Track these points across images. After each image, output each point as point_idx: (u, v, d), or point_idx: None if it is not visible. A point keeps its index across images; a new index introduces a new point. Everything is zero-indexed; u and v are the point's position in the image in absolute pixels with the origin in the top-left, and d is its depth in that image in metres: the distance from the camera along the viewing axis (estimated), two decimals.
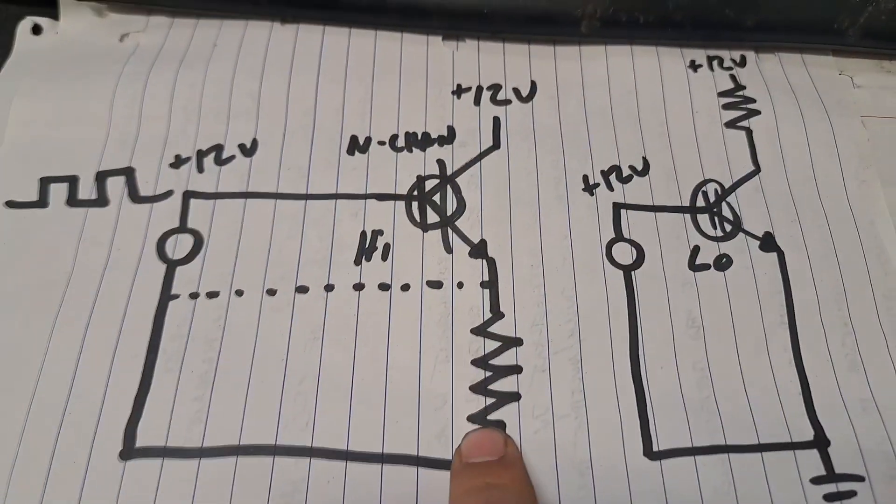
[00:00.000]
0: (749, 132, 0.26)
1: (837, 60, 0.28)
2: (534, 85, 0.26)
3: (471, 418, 0.20)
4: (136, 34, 0.26)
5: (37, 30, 0.26)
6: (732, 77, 0.27)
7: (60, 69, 0.25)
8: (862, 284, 0.23)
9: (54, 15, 0.26)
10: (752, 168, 0.25)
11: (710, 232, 0.24)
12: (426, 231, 0.23)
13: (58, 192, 0.22)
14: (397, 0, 0.25)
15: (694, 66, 0.27)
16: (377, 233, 0.23)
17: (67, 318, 0.21)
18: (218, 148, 0.24)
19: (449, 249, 0.23)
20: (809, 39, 0.27)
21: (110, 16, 0.26)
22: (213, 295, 0.21)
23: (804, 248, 0.24)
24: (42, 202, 0.22)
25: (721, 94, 0.27)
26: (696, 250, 0.23)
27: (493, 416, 0.20)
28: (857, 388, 0.22)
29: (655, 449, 0.20)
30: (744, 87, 0.27)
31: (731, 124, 0.26)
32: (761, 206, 0.24)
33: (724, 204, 0.24)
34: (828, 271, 0.23)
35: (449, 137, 0.25)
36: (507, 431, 0.20)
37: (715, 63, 0.27)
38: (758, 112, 0.26)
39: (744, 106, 0.26)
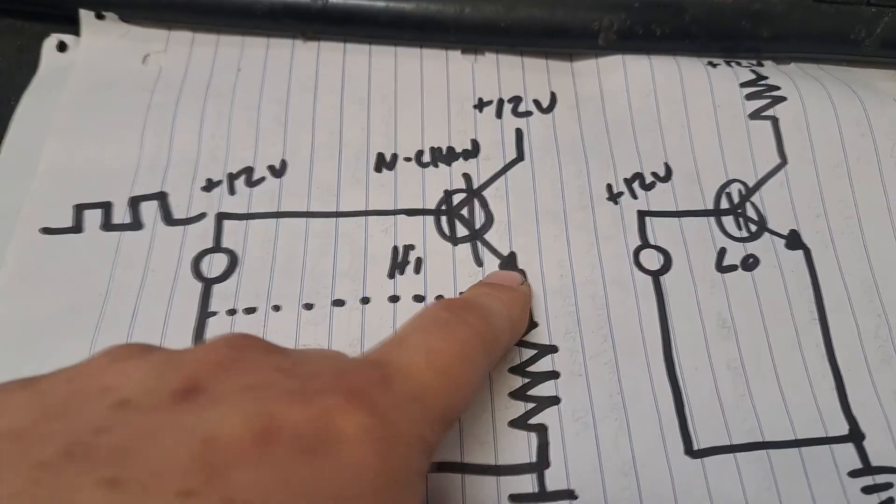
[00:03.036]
0: (775, 121, 0.27)
1: (854, 71, 0.30)
2: (553, 96, 0.28)
3: (512, 423, 0.22)
4: (158, 55, 0.28)
5: (62, 47, 0.28)
6: (753, 71, 0.29)
7: (89, 96, 0.26)
8: (894, 272, 0.25)
9: (77, 32, 0.28)
10: (779, 161, 0.27)
11: (736, 233, 0.26)
12: (456, 245, 0.25)
13: (92, 217, 0.24)
14: (416, 14, 0.27)
15: (713, 65, 0.29)
16: (409, 247, 0.25)
17: (106, 339, 0.22)
18: (248, 170, 0.26)
19: (479, 262, 0.25)
20: (826, 49, 0.29)
21: (131, 31, 0.28)
22: (250, 311, 0.23)
23: (831, 243, 0.25)
24: (77, 227, 0.24)
25: (743, 85, 0.28)
26: (722, 252, 0.25)
27: (533, 420, 0.22)
28: (890, 381, 0.23)
29: (696, 447, 0.22)
30: (766, 78, 0.28)
31: (755, 115, 0.27)
32: (786, 202, 0.26)
33: (748, 204, 0.26)
34: (857, 264, 0.25)
35: (473, 151, 0.27)
36: (549, 435, 0.21)
37: (733, 63, 0.29)
38: (783, 98, 0.28)
39: (768, 94, 0.28)
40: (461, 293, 0.24)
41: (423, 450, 0.15)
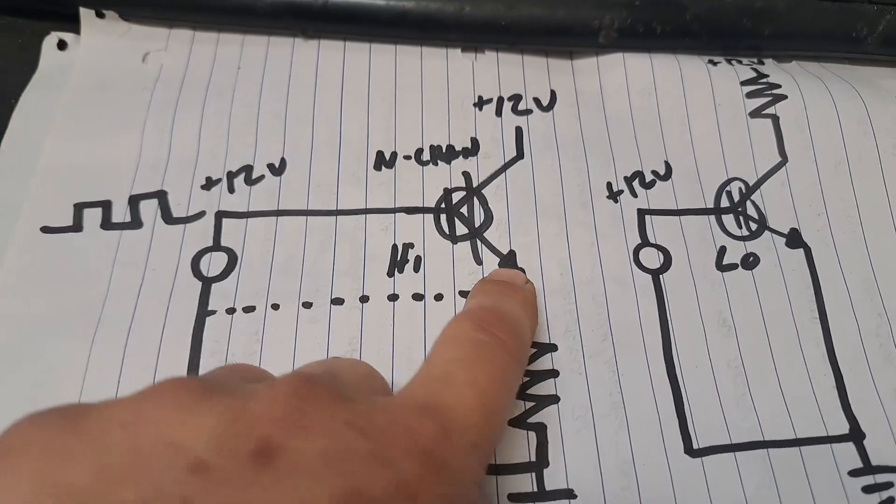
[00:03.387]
0: (776, 119, 0.27)
1: (856, 69, 0.30)
2: (553, 94, 0.28)
3: (511, 422, 0.22)
4: (159, 53, 0.28)
5: (62, 45, 0.28)
6: (754, 69, 0.29)
7: (89, 94, 0.26)
8: (895, 270, 0.25)
9: (77, 30, 0.28)
10: (779, 159, 0.27)
11: (736, 232, 0.26)
12: (455, 243, 0.25)
13: (92, 216, 0.24)
14: (416, 12, 0.27)
15: (713, 63, 0.29)
16: (408, 246, 0.25)
17: (105, 338, 0.22)
18: (247, 168, 0.26)
19: (479, 261, 0.25)
20: (827, 47, 0.29)
21: (131, 29, 0.28)
22: (249, 310, 0.23)
23: (832, 242, 0.25)
24: (77, 226, 0.24)
25: (744, 83, 0.28)
26: (722, 251, 0.25)
27: (533, 419, 0.22)
28: (891, 380, 0.23)
29: (695, 447, 0.22)
30: (767, 76, 0.28)
31: (756, 113, 0.27)
32: (787, 200, 0.26)
33: (748, 202, 0.26)
34: (857, 262, 0.25)
35: (473, 149, 0.27)
36: (549, 433, 0.21)
37: (734, 61, 0.29)
38: (784, 97, 0.28)
39: (769, 92, 0.28)
40: (460, 291, 0.24)
41: (480, 495, 0.16)
